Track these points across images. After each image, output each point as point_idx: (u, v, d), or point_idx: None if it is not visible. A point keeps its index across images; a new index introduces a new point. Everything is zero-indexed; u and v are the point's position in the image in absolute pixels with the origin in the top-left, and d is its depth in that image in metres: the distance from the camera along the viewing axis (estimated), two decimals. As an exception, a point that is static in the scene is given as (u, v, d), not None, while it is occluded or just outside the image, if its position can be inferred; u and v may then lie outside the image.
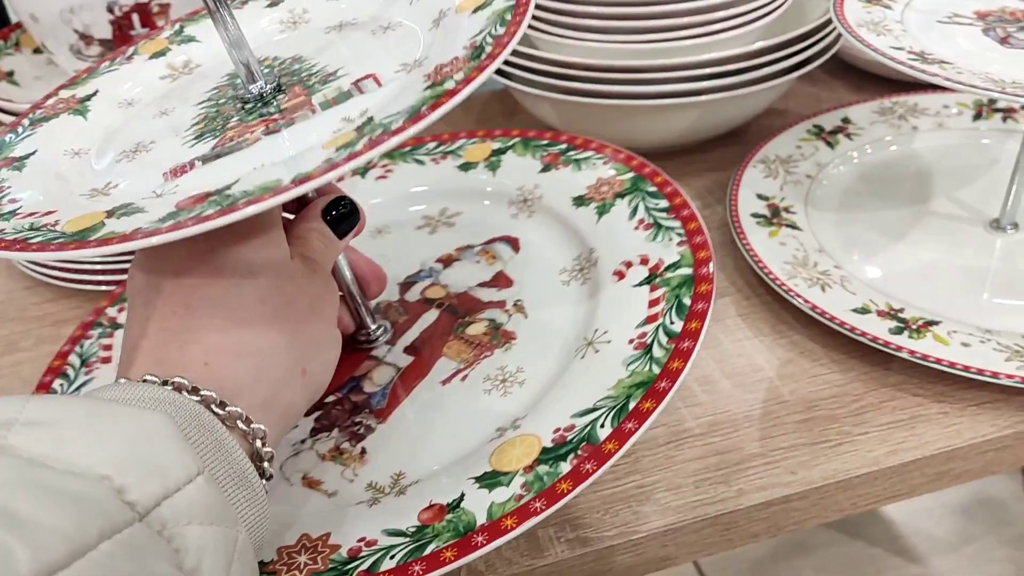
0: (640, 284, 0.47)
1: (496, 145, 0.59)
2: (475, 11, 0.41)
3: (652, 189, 0.51)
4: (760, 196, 0.60)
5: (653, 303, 0.45)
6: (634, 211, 0.51)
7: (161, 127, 0.42)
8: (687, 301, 0.44)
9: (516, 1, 0.39)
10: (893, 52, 0.47)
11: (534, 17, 0.64)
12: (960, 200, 0.60)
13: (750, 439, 0.46)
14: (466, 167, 0.59)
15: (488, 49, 0.36)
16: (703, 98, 0.61)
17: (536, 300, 0.49)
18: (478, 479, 0.38)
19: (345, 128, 0.36)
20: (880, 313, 0.50)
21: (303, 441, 0.44)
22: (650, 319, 0.44)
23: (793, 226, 0.57)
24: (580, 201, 0.54)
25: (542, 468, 0.38)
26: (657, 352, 0.42)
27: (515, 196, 0.56)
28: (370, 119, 0.35)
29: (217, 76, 0.44)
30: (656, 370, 0.40)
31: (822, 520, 0.44)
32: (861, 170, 0.63)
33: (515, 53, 0.63)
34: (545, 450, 0.38)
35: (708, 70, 0.61)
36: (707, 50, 0.61)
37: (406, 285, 0.52)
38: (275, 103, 0.40)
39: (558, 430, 0.39)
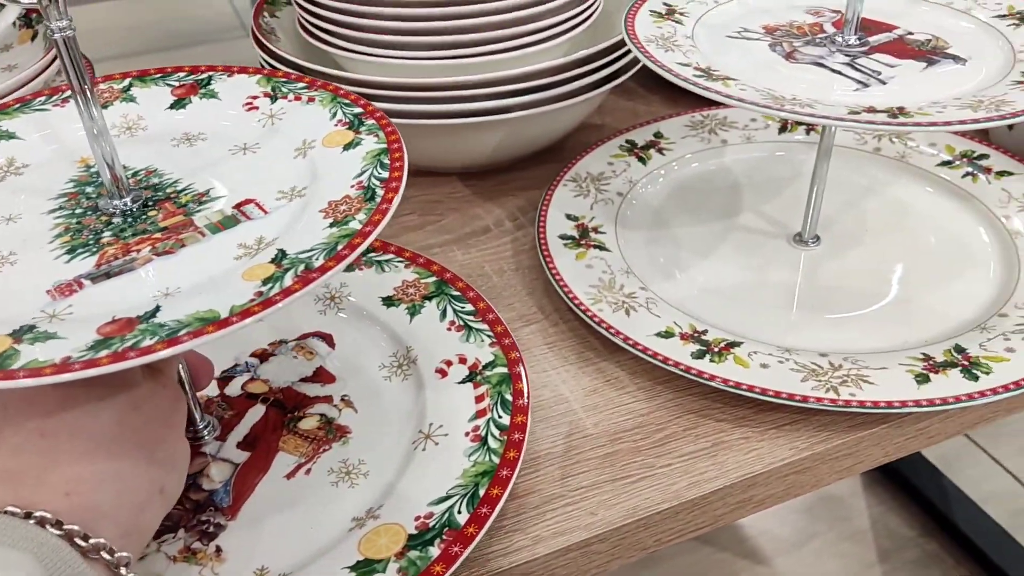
0: (463, 381, 0.51)
1: None
2: (346, 148, 0.45)
3: (456, 293, 0.56)
4: (569, 216, 0.59)
5: (479, 399, 0.50)
6: (444, 313, 0.55)
7: (13, 236, 0.42)
8: (509, 397, 0.49)
9: (388, 144, 0.44)
10: (679, 68, 0.47)
11: (331, 33, 0.61)
12: (766, 214, 0.60)
13: (551, 479, 0.45)
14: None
15: (380, 193, 0.40)
16: (510, 116, 0.59)
17: (363, 395, 0.52)
18: (352, 568, 0.42)
19: (247, 256, 0.39)
20: (683, 336, 0.49)
21: (147, 544, 0.41)
22: (479, 414, 0.48)
23: (601, 247, 0.56)
24: (390, 301, 0.57)
25: (413, 553, 0.42)
26: (493, 444, 0.46)
27: (321, 293, 0.58)
28: (283, 252, 0.38)
29: (53, 178, 0.45)
30: (496, 460, 0.45)
31: (626, 560, 0.42)
32: (672, 186, 0.63)
33: (315, 72, 0.60)
34: (411, 536, 0.43)
35: (514, 86, 0.58)
36: (512, 65, 0.60)
37: (224, 380, 0.53)
38: (148, 219, 0.41)
39: (419, 517, 0.43)
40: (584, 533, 0.44)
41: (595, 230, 0.61)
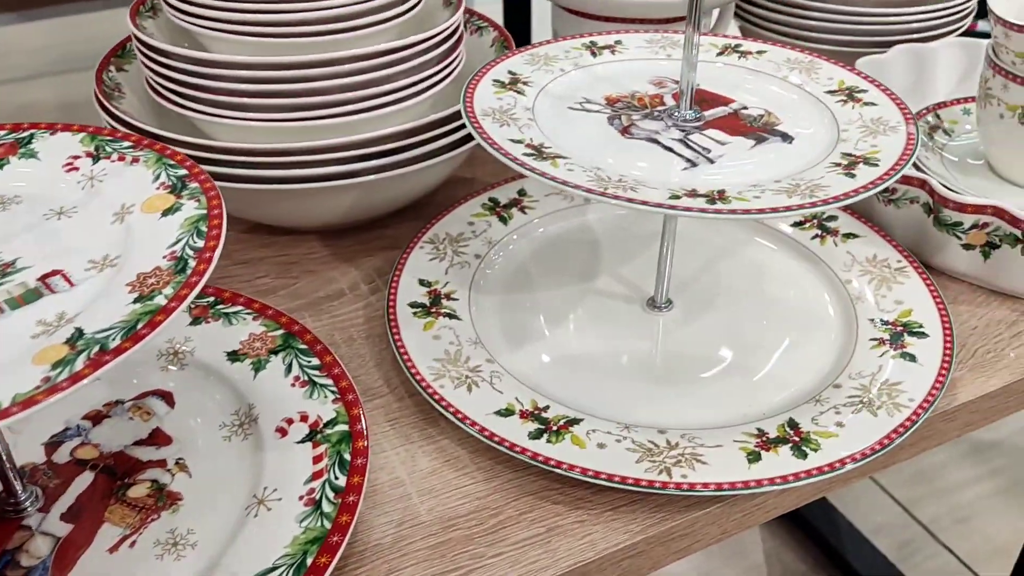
0: (302, 441, 0.50)
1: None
2: (164, 214, 0.44)
3: (303, 347, 0.55)
4: (422, 282, 0.58)
5: (317, 459, 0.48)
6: (289, 368, 0.54)
7: None
8: (347, 456, 0.48)
9: (208, 210, 0.42)
10: (510, 146, 0.46)
11: (167, 88, 0.59)
12: (624, 277, 0.61)
13: (376, 574, 0.43)
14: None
15: (192, 264, 0.39)
16: (358, 180, 0.58)
17: (199, 457, 0.51)
18: None
19: (45, 335, 0.37)
20: (523, 414, 0.49)
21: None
22: (316, 475, 0.47)
23: (452, 315, 0.56)
24: (235, 356, 0.55)
25: None
26: (326, 507, 0.45)
27: (164, 348, 0.57)
28: (79, 331, 0.37)
29: None
30: (328, 525, 0.44)
31: None
32: (532, 247, 0.63)
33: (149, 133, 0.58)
34: None
35: (365, 150, 0.57)
36: (372, 126, 0.58)
37: (52, 445, 0.51)
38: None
39: None
40: (408, 631, 0.43)
41: (448, 296, 0.60)
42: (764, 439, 0.50)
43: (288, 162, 0.60)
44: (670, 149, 0.51)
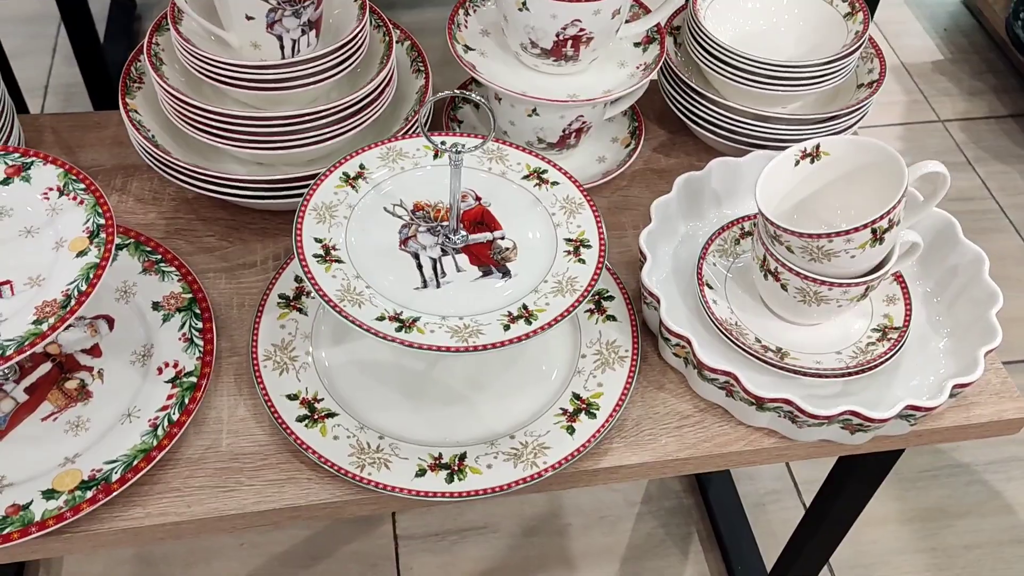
0: (168, 381, 0.79)
1: (119, 240, 0.85)
2: (77, 255, 0.71)
3: (198, 311, 0.83)
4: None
5: (169, 397, 0.78)
6: (182, 325, 0.83)
7: None
8: (186, 401, 0.77)
9: (100, 260, 0.70)
10: (308, 243, 0.71)
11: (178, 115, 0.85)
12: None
13: (180, 476, 0.74)
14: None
15: (71, 305, 0.69)
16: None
17: (112, 373, 0.80)
18: (43, 492, 0.72)
19: None
20: (303, 401, 0.76)
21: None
22: (163, 408, 0.77)
23: (301, 310, 0.81)
24: (156, 306, 0.85)
25: (77, 493, 0.72)
26: (160, 432, 0.75)
27: (120, 284, 0.86)
28: None
29: None
30: (154, 443, 0.75)
31: (212, 533, 0.73)
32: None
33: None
34: (82, 482, 0.72)
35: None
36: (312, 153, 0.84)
37: None
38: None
39: (94, 470, 0.73)
40: (176, 518, 0.74)
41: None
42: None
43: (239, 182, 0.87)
44: (420, 268, 0.74)
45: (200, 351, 0.82)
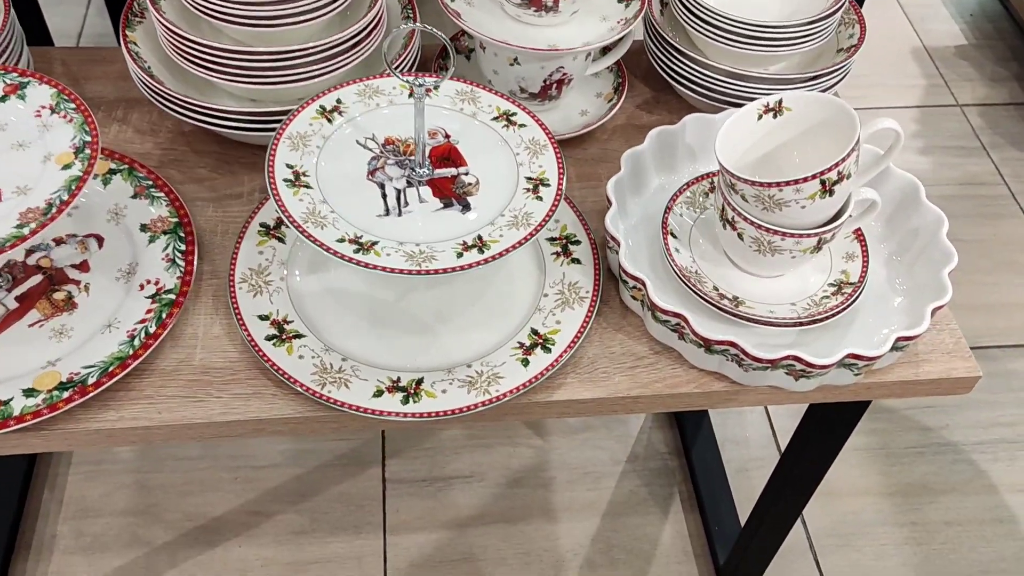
0: (148, 297, 0.84)
1: (113, 165, 0.88)
2: (63, 167, 0.76)
3: (182, 235, 0.88)
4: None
5: (148, 311, 0.83)
6: (166, 246, 0.88)
7: None
8: (163, 316, 0.82)
9: (83, 175, 0.74)
10: (281, 169, 0.75)
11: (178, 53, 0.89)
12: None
13: (155, 385, 0.78)
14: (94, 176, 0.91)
15: (52, 211, 0.73)
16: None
17: (97, 287, 0.85)
18: (24, 391, 0.77)
19: None
20: (273, 322, 0.80)
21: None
22: (142, 321, 0.82)
23: (280, 239, 0.85)
24: (144, 228, 0.89)
25: (55, 393, 0.77)
26: (136, 343, 0.80)
27: (112, 207, 0.91)
28: None
29: None
30: (130, 352, 0.80)
31: (181, 440, 0.78)
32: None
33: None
34: (61, 383, 0.77)
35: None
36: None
37: (30, 251, 0.87)
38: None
39: (72, 373, 0.78)
40: (147, 423, 0.79)
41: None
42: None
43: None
44: (384, 197, 0.78)
45: (181, 271, 0.86)
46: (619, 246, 0.84)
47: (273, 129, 0.93)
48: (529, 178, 0.80)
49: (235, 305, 0.84)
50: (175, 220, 0.90)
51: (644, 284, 0.82)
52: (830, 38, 1.02)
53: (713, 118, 0.96)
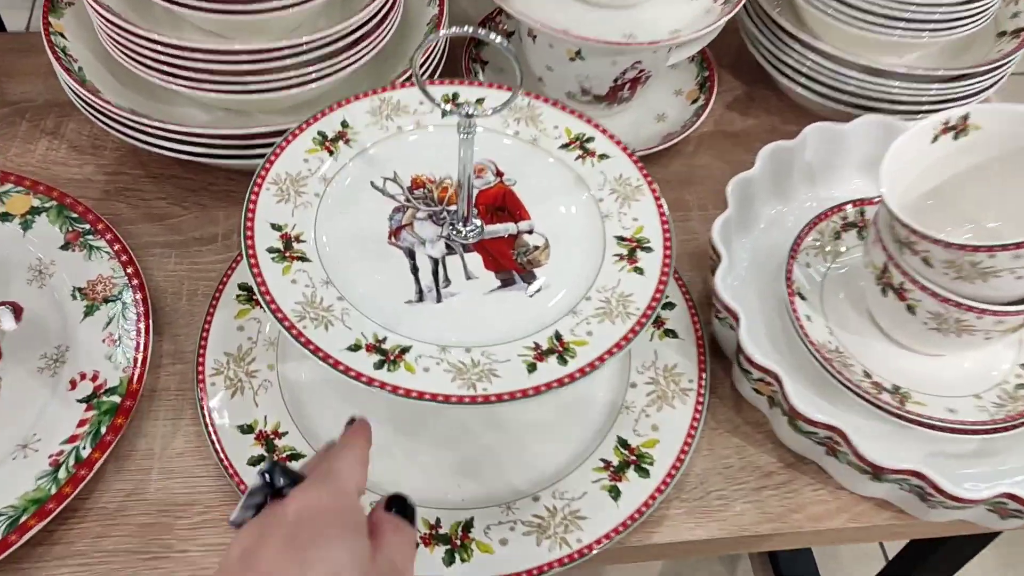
0: (82, 400, 0.60)
1: (36, 201, 0.66)
2: None
3: (132, 302, 0.63)
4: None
5: (81, 423, 0.58)
6: (110, 321, 0.62)
7: None
8: (103, 430, 0.57)
9: None
10: (262, 231, 0.51)
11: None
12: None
13: (89, 534, 0.54)
14: (5, 217, 0.68)
15: None
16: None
17: (11, 385, 0.61)
18: None
19: None
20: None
21: None
22: (72, 439, 0.58)
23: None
24: (79, 293, 0.64)
25: None
26: (62, 474, 0.56)
27: (34, 262, 0.66)
28: None
29: None
30: (53, 491, 0.55)
31: None
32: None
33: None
34: None
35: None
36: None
37: None
38: None
39: None
40: None
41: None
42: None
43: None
44: (416, 271, 0.53)
45: (129, 359, 0.62)
46: (738, 322, 0.60)
47: (253, 153, 0.68)
48: (621, 238, 0.56)
49: (205, 410, 0.60)
50: (122, 281, 0.65)
51: (779, 380, 0.58)
52: (988, 19, 0.77)
53: (842, 129, 0.72)
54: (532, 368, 0.49)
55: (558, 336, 0.51)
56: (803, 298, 0.66)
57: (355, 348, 0.49)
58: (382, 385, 0.48)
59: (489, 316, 0.52)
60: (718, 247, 0.64)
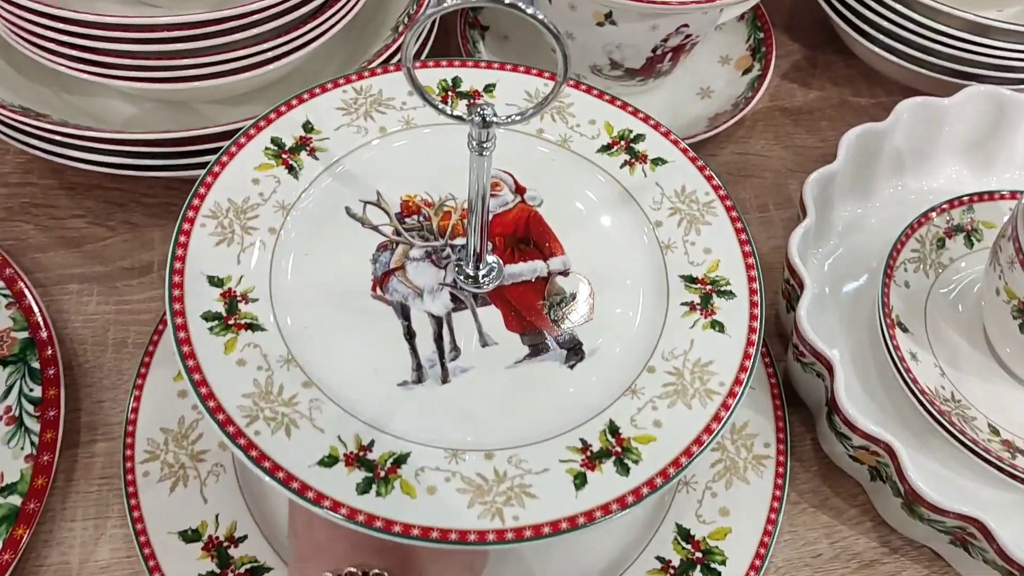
0: None
1: None
2: None
3: (36, 366, 0.49)
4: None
5: None
6: (8, 392, 0.48)
7: None
8: (2, 541, 0.44)
9: None
10: (195, 290, 0.37)
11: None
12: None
13: None
14: None
15: None
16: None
17: None
18: None
19: None
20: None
21: None
22: None
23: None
24: None
25: None
26: None
27: None
28: None
29: None
30: None
31: None
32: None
33: None
34: None
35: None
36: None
37: None
38: None
39: None
40: None
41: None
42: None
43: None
44: (410, 338, 0.39)
45: (34, 444, 0.47)
46: (831, 373, 0.46)
47: (191, 160, 0.53)
48: (690, 279, 0.41)
49: (134, 510, 0.46)
50: (23, 335, 0.51)
51: (893, 454, 0.44)
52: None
53: (943, 105, 0.58)
54: (581, 481, 0.35)
55: (614, 429, 0.37)
56: (905, 330, 0.52)
57: (329, 462, 0.35)
58: (369, 522, 0.33)
59: (516, 401, 0.38)
60: (798, 269, 0.49)
